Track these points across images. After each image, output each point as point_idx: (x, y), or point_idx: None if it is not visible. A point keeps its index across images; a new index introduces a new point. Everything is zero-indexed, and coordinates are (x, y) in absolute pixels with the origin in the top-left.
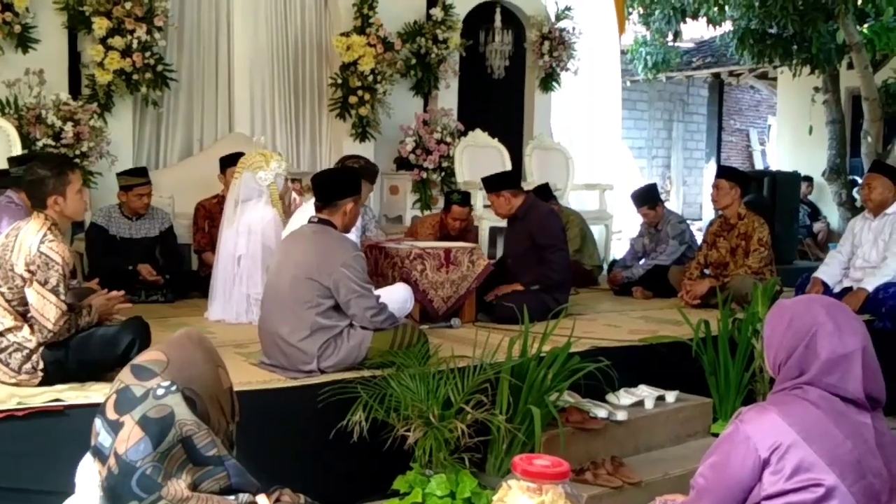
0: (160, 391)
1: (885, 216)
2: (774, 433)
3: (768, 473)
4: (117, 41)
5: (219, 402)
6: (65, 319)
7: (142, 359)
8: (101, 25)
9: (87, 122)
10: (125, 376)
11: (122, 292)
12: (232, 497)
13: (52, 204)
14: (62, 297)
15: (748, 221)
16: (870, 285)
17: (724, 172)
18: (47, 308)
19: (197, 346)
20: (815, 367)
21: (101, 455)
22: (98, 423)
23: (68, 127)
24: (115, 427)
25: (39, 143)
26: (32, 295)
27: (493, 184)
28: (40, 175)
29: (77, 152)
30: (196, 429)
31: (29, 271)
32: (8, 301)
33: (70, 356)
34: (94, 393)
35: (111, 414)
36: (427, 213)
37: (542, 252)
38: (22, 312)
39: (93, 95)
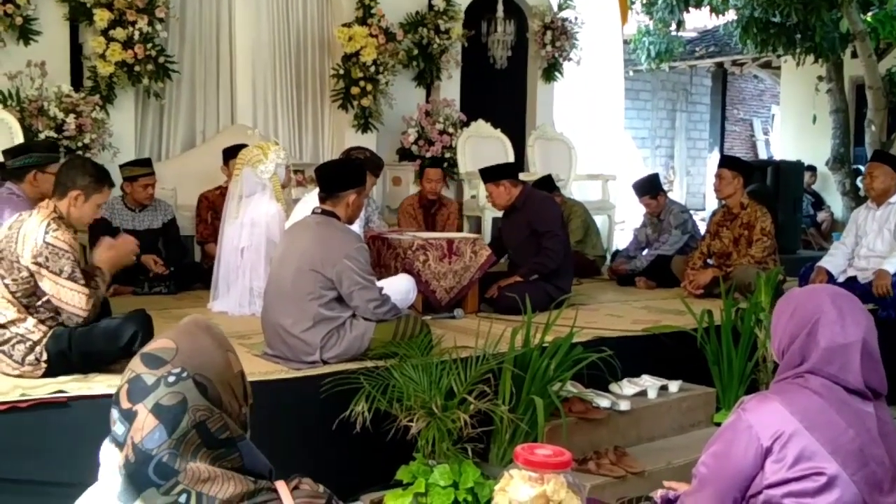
0: (171, 378)
1: (888, 205)
2: (777, 422)
3: (770, 462)
4: (119, 33)
5: (230, 386)
6: (92, 303)
7: (151, 347)
8: (102, 17)
9: (89, 113)
10: (136, 365)
11: (128, 239)
12: (251, 479)
13: (72, 198)
14: (81, 281)
15: (751, 211)
16: (892, 267)
17: (726, 162)
18: (74, 297)
19: (205, 333)
20: (815, 355)
21: (117, 443)
22: (113, 412)
23: (70, 119)
24: (128, 416)
25: (42, 135)
26: (54, 288)
27: (494, 174)
28: (84, 169)
29: (79, 144)
30: (208, 413)
31: (36, 263)
32: (12, 293)
33: (73, 348)
34: (97, 384)
35: (124, 403)
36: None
37: (539, 239)
38: (26, 304)
39: (95, 87)
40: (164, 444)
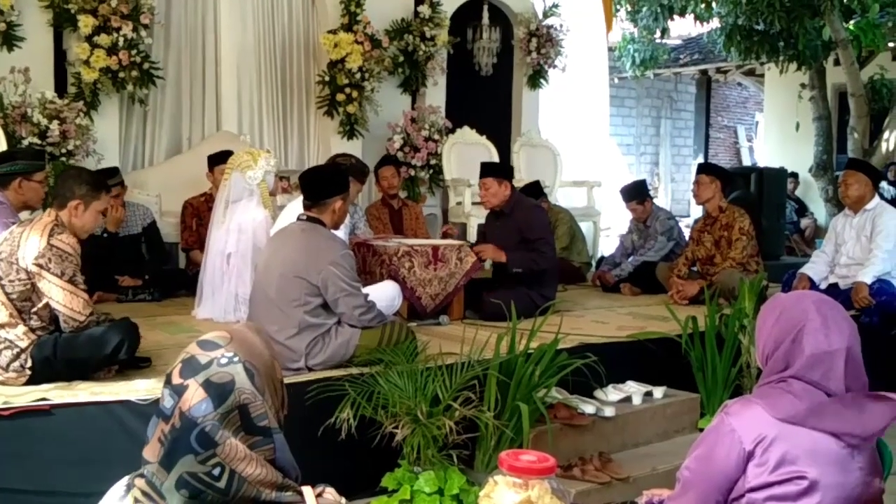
0: (224, 360)
1: (864, 212)
2: (759, 426)
3: (753, 466)
4: (103, 39)
5: (273, 384)
6: (90, 309)
7: (207, 335)
8: (86, 23)
9: (73, 120)
10: (191, 348)
11: None
12: (280, 474)
13: (71, 208)
14: (81, 286)
15: (729, 213)
16: (867, 277)
17: (703, 168)
18: (75, 301)
19: (257, 335)
20: (800, 361)
21: (164, 415)
22: (164, 391)
23: (54, 125)
24: (178, 390)
25: (25, 142)
26: (55, 290)
27: (500, 170)
28: (81, 178)
29: (63, 151)
30: (252, 398)
31: (38, 264)
32: (7, 294)
33: (58, 355)
34: (81, 392)
35: (176, 379)
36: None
37: (530, 245)
38: (20, 309)
39: (79, 93)
40: (210, 415)
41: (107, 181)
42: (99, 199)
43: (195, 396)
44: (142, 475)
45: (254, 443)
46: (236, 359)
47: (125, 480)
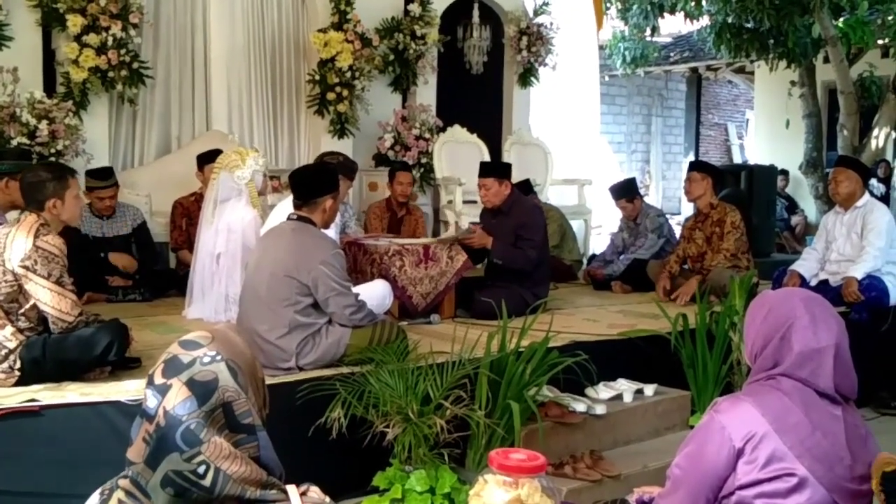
0: (206, 359)
1: (855, 209)
2: (749, 423)
3: (742, 463)
4: (92, 38)
5: (256, 382)
6: (79, 310)
7: (188, 335)
8: (75, 23)
9: (63, 120)
10: (173, 348)
11: None
12: (264, 472)
13: (50, 207)
14: (69, 286)
15: (720, 209)
16: (858, 273)
17: (695, 165)
18: (62, 302)
19: (237, 334)
20: (789, 359)
21: (147, 416)
22: (147, 392)
23: (43, 125)
24: (162, 390)
25: (14, 142)
26: (42, 292)
27: (500, 170)
28: (42, 177)
29: (52, 151)
30: (236, 396)
31: (24, 266)
32: None
33: (47, 356)
34: (71, 393)
35: (158, 379)
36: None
37: (521, 244)
38: (6, 311)
39: (68, 93)
40: (195, 412)
41: (94, 181)
42: (69, 186)
43: (179, 395)
44: (126, 476)
45: (238, 440)
46: (219, 357)
47: (107, 484)
